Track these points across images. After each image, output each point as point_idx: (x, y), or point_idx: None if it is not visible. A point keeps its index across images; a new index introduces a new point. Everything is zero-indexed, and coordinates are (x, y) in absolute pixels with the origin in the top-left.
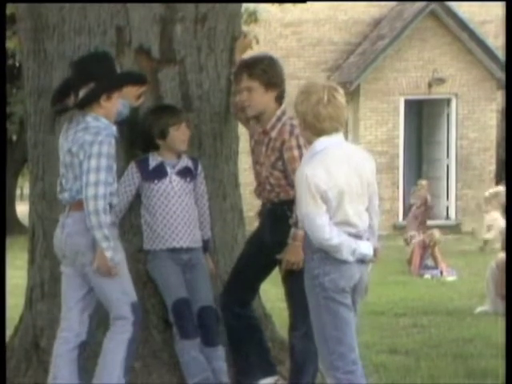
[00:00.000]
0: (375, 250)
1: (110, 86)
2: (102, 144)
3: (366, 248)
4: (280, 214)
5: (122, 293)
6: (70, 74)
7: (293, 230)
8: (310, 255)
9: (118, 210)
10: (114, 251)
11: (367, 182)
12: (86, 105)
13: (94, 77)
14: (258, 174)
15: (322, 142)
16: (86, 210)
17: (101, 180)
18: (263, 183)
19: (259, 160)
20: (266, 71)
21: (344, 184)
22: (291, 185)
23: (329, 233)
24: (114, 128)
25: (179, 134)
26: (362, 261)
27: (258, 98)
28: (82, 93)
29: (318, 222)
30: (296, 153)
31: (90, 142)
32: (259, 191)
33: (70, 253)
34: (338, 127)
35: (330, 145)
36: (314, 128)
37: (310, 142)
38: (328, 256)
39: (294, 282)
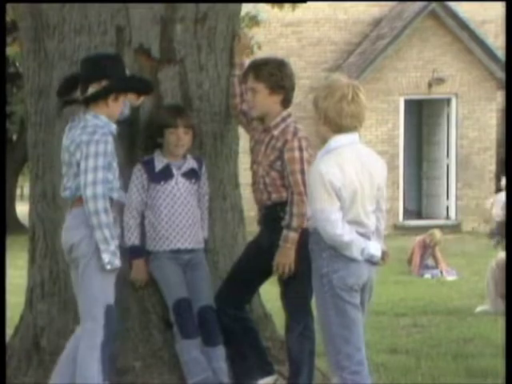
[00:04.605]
0: (384, 253)
1: (122, 87)
2: (98, 143)
3: (374, 248)
4: (274, 217)
5: (100, 291)
6: (81, 69)
7: (284, 231)
8: (318, 253)
9: (135, 213)
10: (113, 255)
11: (377, 184)
12: (94, 101)
13: (107, 75)
14: (254, 174)
15: (337, 140)
16: (87, 211)
17: (99, 179)
18: (257, 183)
19: (257, 159)
20: (273, 74)
21: (357, 183)
22: (286, 186)
23: (341, 229)
24: (114, 126)
25: (173, 138)
26: (370, 261)
27: (262, 100)
28: (91, 89)
29: (332, 217)
30: (297, 154)
31: (86, 141)
32: (253, 193)
33: (65, 247)
34: (357, 125)
35: (345, 143)
36: (335, 124)
37: (325, 139)
38: (337, 254)
39: (288, 283)
